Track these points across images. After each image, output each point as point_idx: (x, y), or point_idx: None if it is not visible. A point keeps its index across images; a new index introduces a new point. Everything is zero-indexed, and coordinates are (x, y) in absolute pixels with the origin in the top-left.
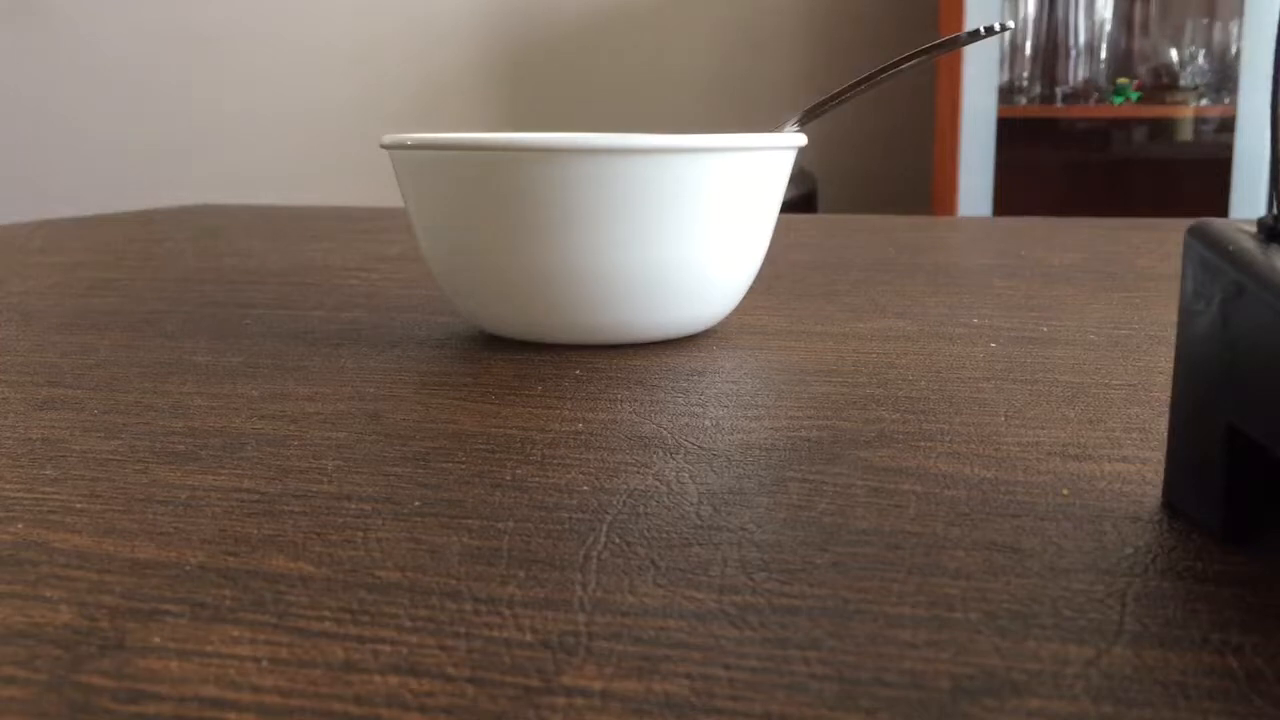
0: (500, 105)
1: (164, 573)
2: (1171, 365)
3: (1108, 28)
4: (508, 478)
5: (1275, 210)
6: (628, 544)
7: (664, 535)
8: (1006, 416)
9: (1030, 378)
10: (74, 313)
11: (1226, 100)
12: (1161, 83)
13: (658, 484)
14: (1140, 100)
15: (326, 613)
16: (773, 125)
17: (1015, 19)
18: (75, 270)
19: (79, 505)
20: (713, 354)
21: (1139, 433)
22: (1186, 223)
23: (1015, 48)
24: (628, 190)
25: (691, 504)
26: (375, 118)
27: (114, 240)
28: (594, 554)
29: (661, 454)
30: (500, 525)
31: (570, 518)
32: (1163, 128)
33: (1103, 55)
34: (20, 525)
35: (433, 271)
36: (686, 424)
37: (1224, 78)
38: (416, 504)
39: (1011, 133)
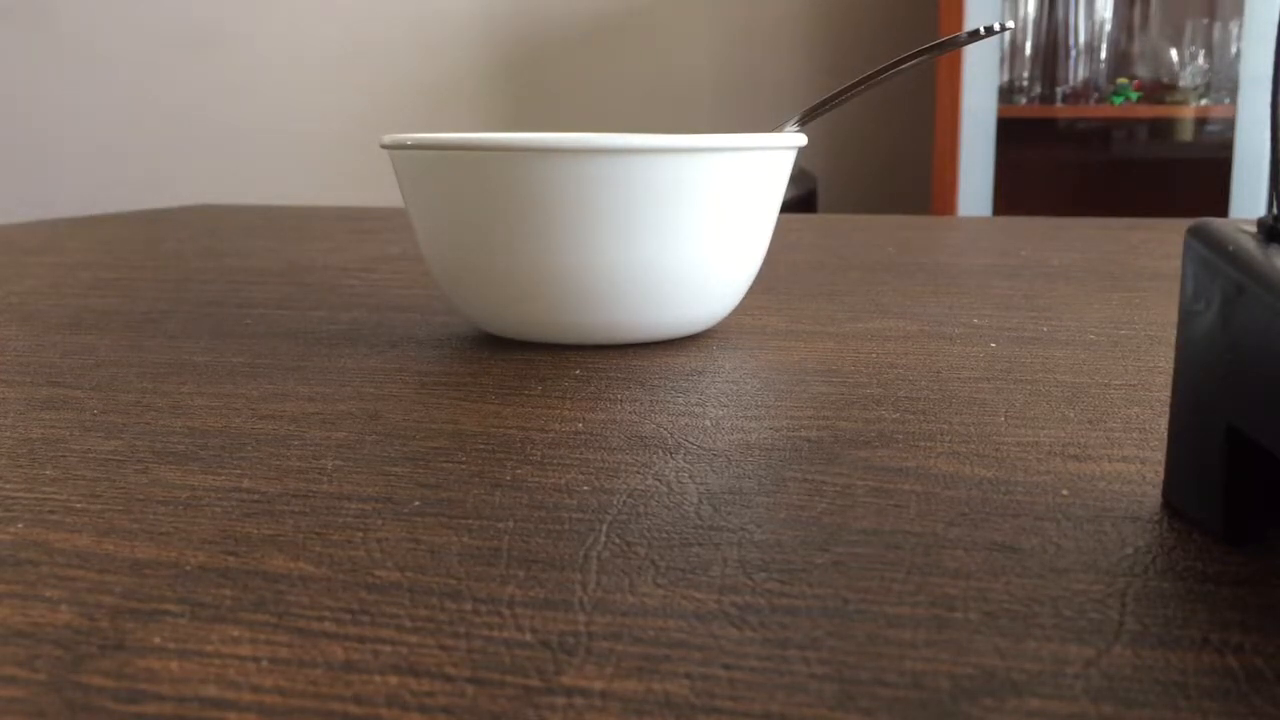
0: (501, 106)
1: (164, 573)
2: (1171, 365)
3: (1108, 28)
4: (508, 478)
5: (1275, 210)
6: (628, 544)
7: (664, 535)
8: (1006, 416)
9: (1030, 378)
10: (74, 313)
11: (1226, 100)
12: (1161, 83)
13: (658, 484)
14: (1140, 100)
15: (326, 613)
16: (773, 125)
17: (1015, 19)
18: (75, 270)
19: (79, 505)
20: (713, 354)
21: (1139, 433)
22: (1186, 223)
23: (1015, 48)
24: (628, 190)
25: (691, 504)
26: (376, 118)
27: (114, 240)
28: (594, 554)
29: (661, 454)
30: (500, 525)
31: (570, 518)
32: (1163, 128)
33: (1103, 55)
34: (20, 525)
35: (433, 271)
36: (686, 424)
37: (1224, 78)
38: (416, 504)
39: (1011, 133)
